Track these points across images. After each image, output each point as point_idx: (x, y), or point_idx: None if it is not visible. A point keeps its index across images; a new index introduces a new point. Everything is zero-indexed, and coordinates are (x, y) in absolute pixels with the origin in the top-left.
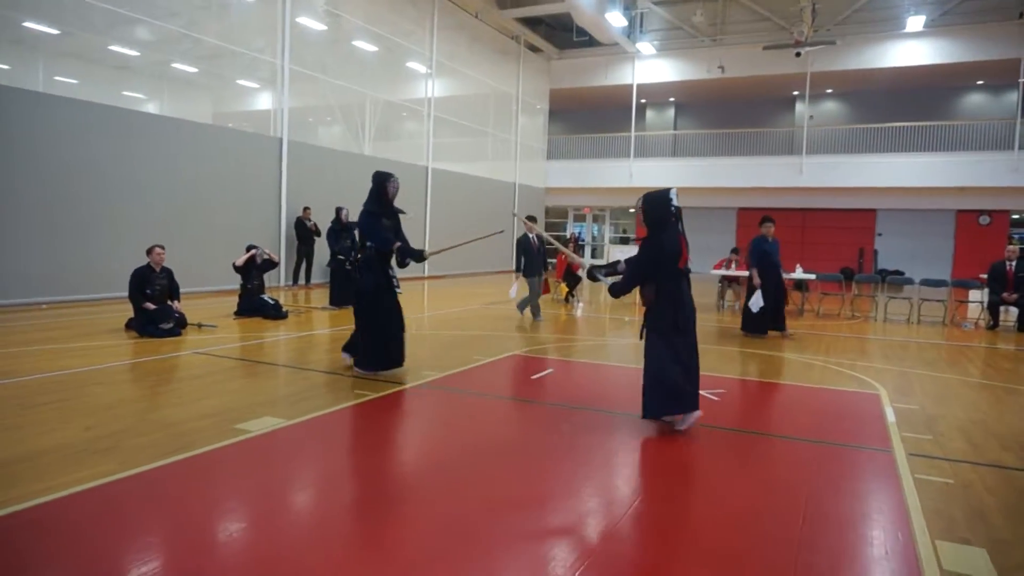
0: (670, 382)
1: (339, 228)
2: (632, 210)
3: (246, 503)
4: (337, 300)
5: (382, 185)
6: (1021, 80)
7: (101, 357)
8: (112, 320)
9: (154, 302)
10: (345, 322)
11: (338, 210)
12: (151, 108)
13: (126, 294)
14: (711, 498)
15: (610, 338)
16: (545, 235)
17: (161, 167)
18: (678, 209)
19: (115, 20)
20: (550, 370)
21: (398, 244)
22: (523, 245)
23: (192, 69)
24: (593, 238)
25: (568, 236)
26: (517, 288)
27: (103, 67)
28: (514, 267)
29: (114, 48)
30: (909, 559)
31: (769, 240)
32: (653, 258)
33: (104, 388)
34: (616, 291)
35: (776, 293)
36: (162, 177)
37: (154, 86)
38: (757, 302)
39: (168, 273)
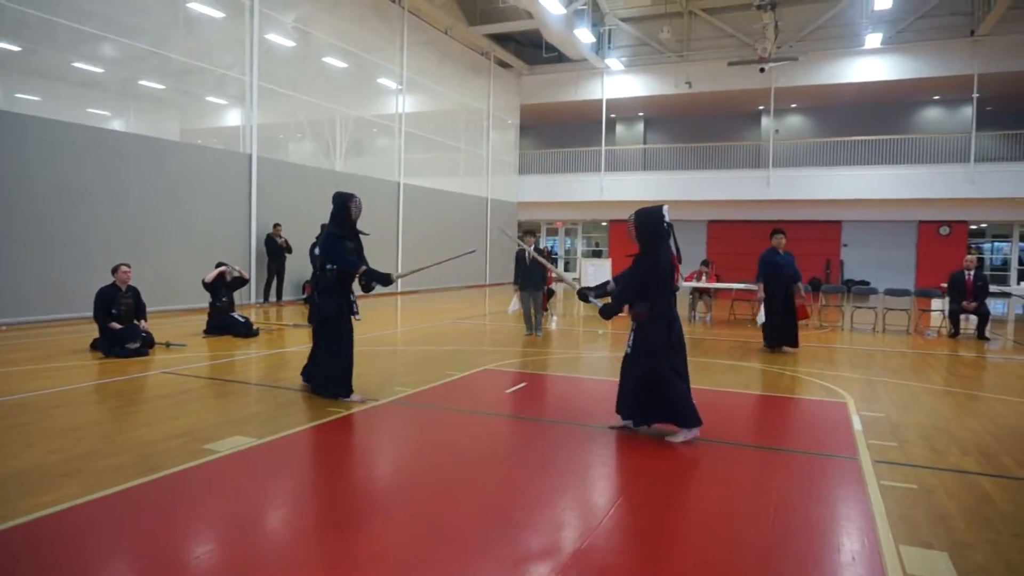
0: (682, 392)
1: None
2: (604, 224)
3: (216, 524)
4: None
5: (344, 207)
6: (975, 95)
7: (65, 379)
8: (76, 341)
9: (120, 322)
10: None
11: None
12: (117, 125)
13: (91, 314)
14: (683, 507)
15: (583, 351)
16: (535, 254)
17: (128, 184)
18: (670, 225)
19: (80, 37)
20: (523, 384)
21: (363, 268)
22: (520, 259)
23: (159, 86)
24: (566, 252)
25: (541, 250)
26: (517, 302)
27: (67, 84)
28: (513, 281)
29: (79, 65)
30: (874, 564)
31: (780, 253)
32: (649, 273)
33: (68, 410)
34: (607, 312)
35: (785, 307)
36: (129, 195)
37: (120, 103)
38: (760, 316)
39: (134, 292)
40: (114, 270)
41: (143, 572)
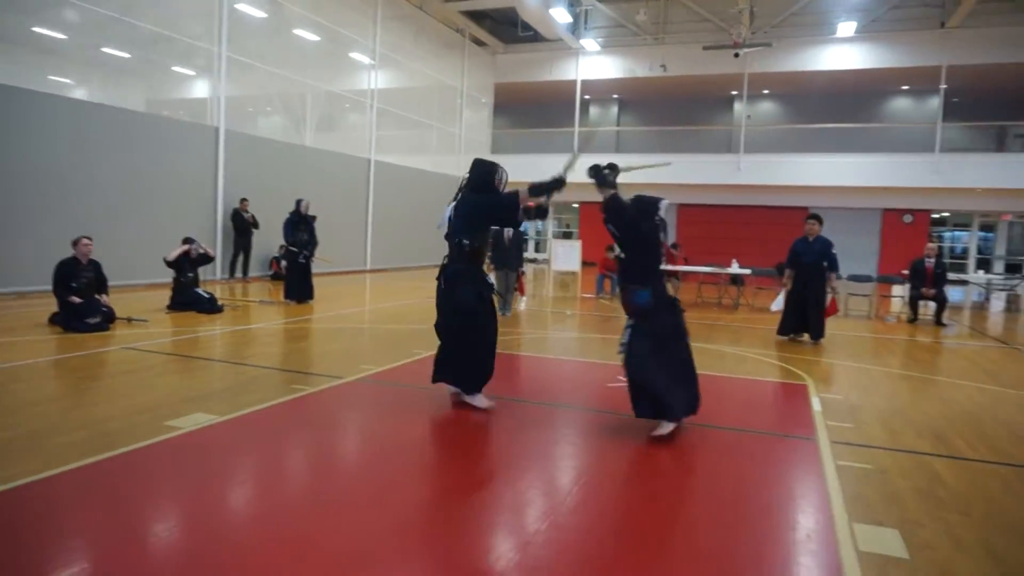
0: (694, 381)
1: (297, 220)
2: (575, 206)
3: (176, 501)
4: (294, 294)
5: (492, 173)
6: (942, 86)
7: (23, 353)
8: (35, 314)
9: (80, 296)
10: (298, 315)
11: (298, 202)
12: (80, 94)
13: (50, 287)
14: (643, 486)
15: (551, 331)
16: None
17: (91, 155)
18: (663, 221)
19: (41, 2)
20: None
21: (525, 189)
22: (496, 237)
23: (124, 55)
24: (537, 232)
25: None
26: (493, 280)
27: (27, 50)
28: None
29: (39, 30)
30: (828, 541)
31: (809, 240)
32: (632, 221)
33: (26, 385)
34: (614, 207)
35: (809, 297)
36: (92, 166)
37: (84, 71)
38: (776, 303)
39: (96, 266)
40: (75, 243)
41: (101, 548)
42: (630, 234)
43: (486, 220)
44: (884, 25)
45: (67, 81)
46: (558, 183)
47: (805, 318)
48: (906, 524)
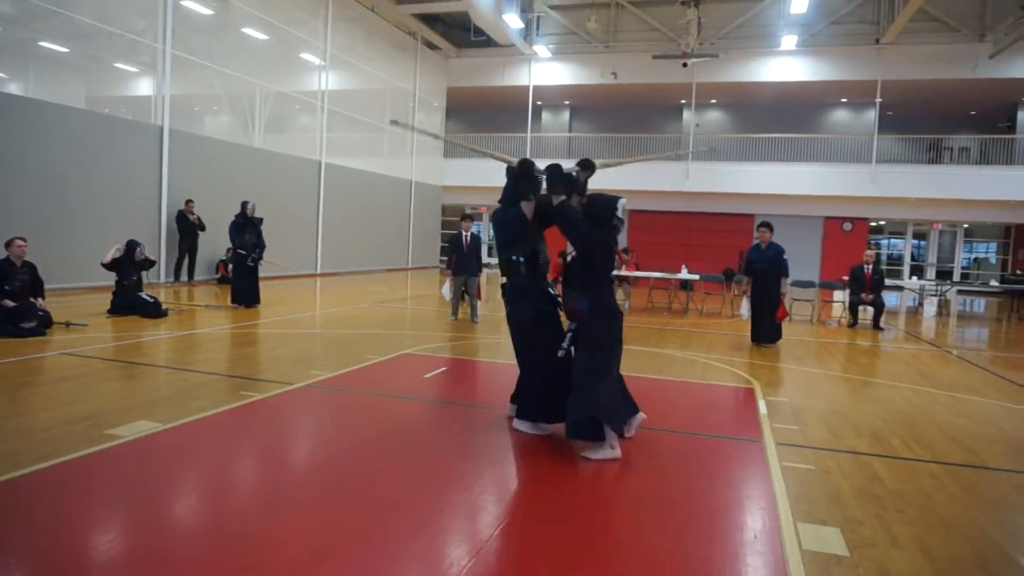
0: (620, 391)
1: (243, 222)
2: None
3: (118, 512)
4: (240, 298)
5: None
6: (878, 100)
7: None
8: None
9: (14, 299)
10: (246, 319)
11: (243, 204)
12: (15, 89)
13: None
14: (591, 491)
15: (506, 336)
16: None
17: (26, 152)
18: (621, 221)
19: None
20: (443, 368)
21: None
22: (455, 243)
23: (63, 49)
24: (490, 237)
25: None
26: (449, 287)
27: None
28: (446, 266)
29: None
30: (774, 541)
31: (762, 247)
32: (589, 239)
33: None
34: (565, 217)
35: (765, 301)
36: (27, 163)
37: (18, 65)
38: (742, 310)
39: (31, 268)
40: (8, 244)
41: (37, 561)
42: (582, 245)
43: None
44: (824, 40)
45: (1, 75)
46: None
47: (764, 323)
48: (847, 523)
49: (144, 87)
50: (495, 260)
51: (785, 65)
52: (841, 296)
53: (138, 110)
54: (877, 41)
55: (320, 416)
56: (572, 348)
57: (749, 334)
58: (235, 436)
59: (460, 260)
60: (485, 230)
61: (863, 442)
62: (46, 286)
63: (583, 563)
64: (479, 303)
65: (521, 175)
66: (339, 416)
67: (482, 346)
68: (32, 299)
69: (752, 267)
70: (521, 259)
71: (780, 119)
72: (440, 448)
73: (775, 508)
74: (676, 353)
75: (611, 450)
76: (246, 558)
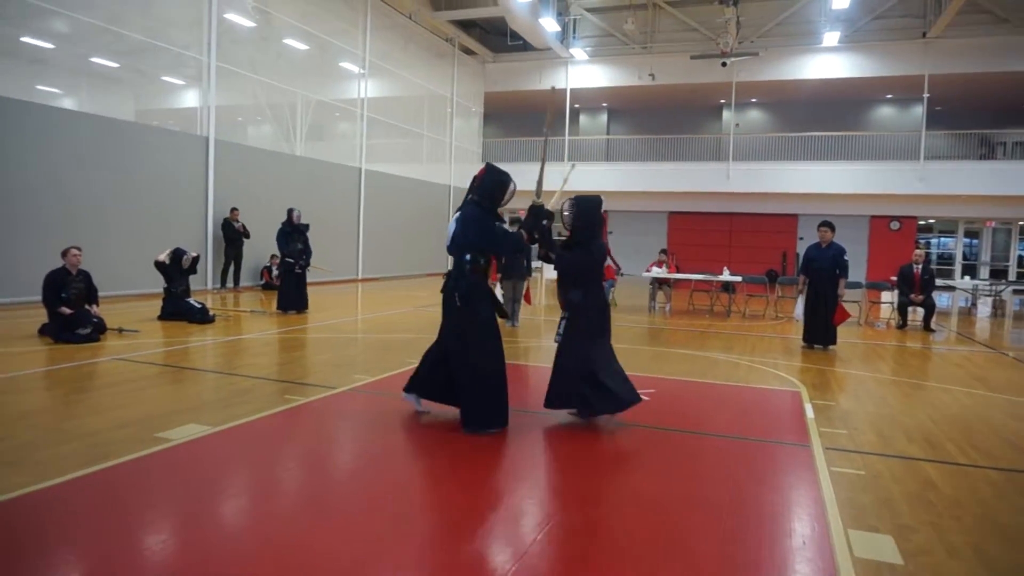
0: (620, 377)
1: (289, 230)
2: (564, 212)
3: (168, 514)
4: (285, 304)
5: (504, 185)
6: (926, 95)
7: (13, 365)
8: (24, 326)
9: (70, 306)
10: (290, 324)
11: (289, 211)
12: (69, 104)
13: (39, 298)
14: (638, 494)
15: (545, 340)
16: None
17: (80, 165)
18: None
19: (30, 11)
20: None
21: (520, 229)
22: None
23: (113, 64)
24: None
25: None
26: (501, 291)
27: (16, 60)
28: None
29: (28, 40)
30: (824, 548)
31: (823, 246)
32: (580, 264)
33: (16, 397)
34: (543, 256)
35: (822, 302)
36: (81, 176)
37: (72, 81)
38: (796, 311)
39: (86, 276)
40: (64, 253)
41: (91, 561)
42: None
43: (487, 249)
44: (867, 35)
45: (56, 91)
46: (542, 215)
47: (820, 324)
48: (900, 530)
49: (190, 99)
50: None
51: (828, 62)
52: (889, 297)
53: (184, 121)
54: (924, 35)
55: (362, 420)
56: (564, 334)
57: (795, 336)
58: (280, 440)
59: (508, 263)
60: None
61: (915, 447)
62: (99, 293)
63: (627, 568)
64: (520, 308)
65: (531, 215)
66: (381, 420)
67: (525, 350)
68: (87, 306)
69: (811, 266)
70: (472, 261)
71: (822, 117)
72: (482, 452)
73: (824, 514)
74: (719, 356)
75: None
76: (294, 559)
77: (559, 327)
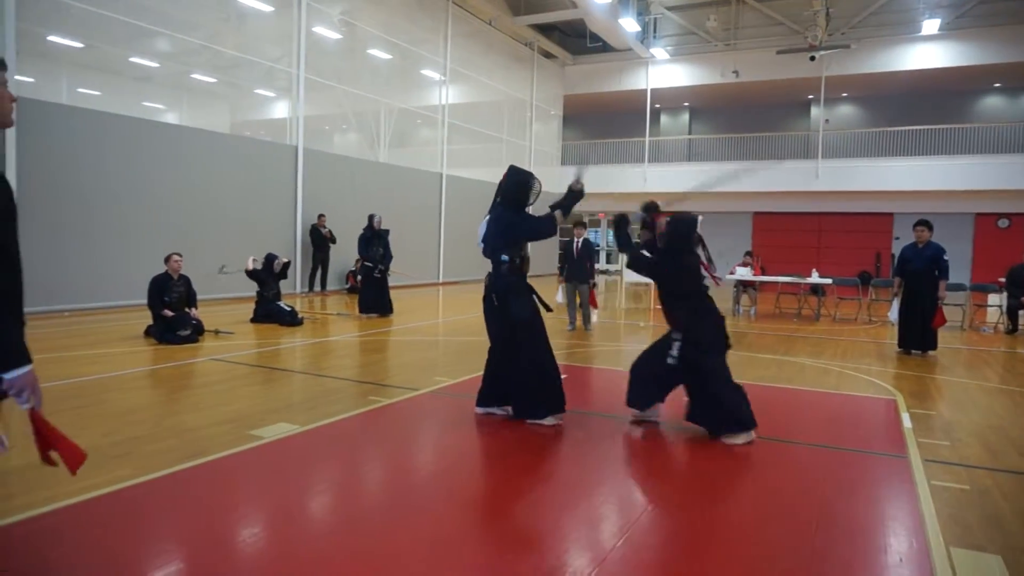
0: (739, 395)
1: (370, 235)
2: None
3: (258, 509)
4: (369, 308)
5: (529, 185)
6: None
7: (119, 364)
8: (131, 327)
9: (172, 309)
10: (373, 327)
11: (370, 217)
12: (171, 118)
13: (145, 302)
14: (723, 505)
15: (625, 344)
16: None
17: (180, 176)
18: (699, 237)
19: (136, 33)
20: (564, 376)
21: (557, 210)
22: (567, 250)
23: (211, 79)
24: (608, 244)
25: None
26: (562, 294)
27: (124, 78)
28: (559, 272)
29: (135, 60)
30: (923, 566)
31: (919, 246)
32: (668, 276)
33: (122, 394)
34: (632, 264)
35: (920, 305)
36: (181, 186)
37: (174, 96)
38: (891, 314)
39: (186, 281)
40: (167, 259)
41: (188, 552)
42: (668, 271)
43: (524, 240)
44: (972, 20)
45: (159, 106)
46: (574, 195)
47: (917, 328)
48: (1010, 551)
49: (280, 110)
50: (614, 267)
51: (927, 51)
52: (997, 300)
53: (275, 132)
54: None
55: (443, 421)
56: (680, 356)
57: (890, 341)
58: (365, 440)
59: (571, 267)
60: (603, 236)
61: None
62: (198, 297)
63: None
64: (594, 311)
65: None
66: (460, 422)
67: (601, 353)
68: (187, 309)
69: (906, 267)
70: (509, 260)
71: (919, 110)
72: (560, 455)
73: (923, 530)
74: (807, 361)
75: (747, 435)
76: (376, 558)
77: (672, 348)
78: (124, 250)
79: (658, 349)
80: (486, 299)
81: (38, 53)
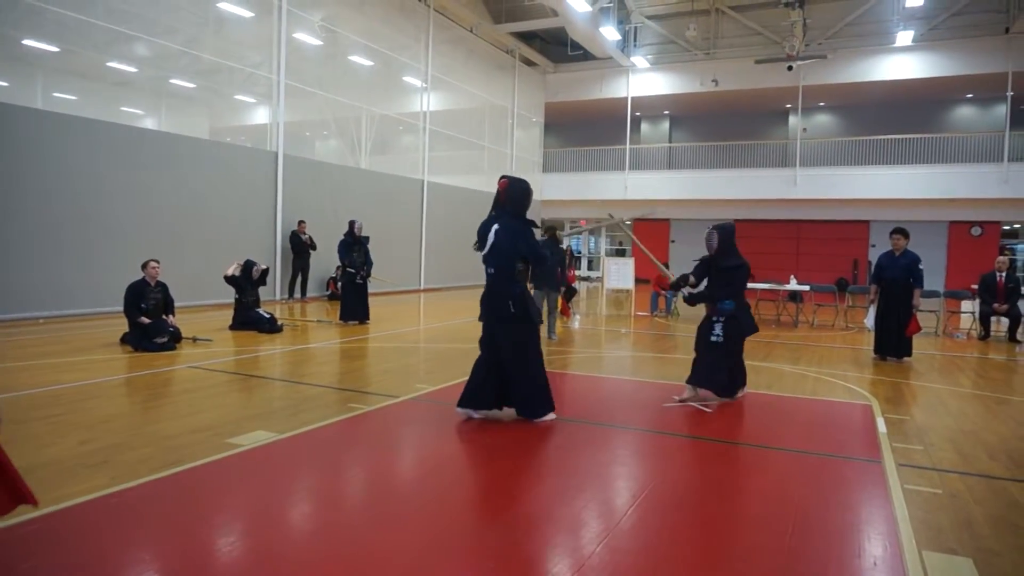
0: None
1: (351, 241)
2: (628, 223)
3: (236, 518)
4: (350, 315)
5: (527, 194)
6: (1009, 93)
7: (96, 371)
8: (107, 334)
9: (149, 316)
10: (354, 334)
11: (351, 223)
12: (149, 124)
13: (121, 308)
14: (701, 509)
15: (605, 351)
16: (642, 247)
17: (158, 182)
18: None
19: (114, 37)
20: None
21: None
22: None
23: (190, 85)
24: (589, 251)
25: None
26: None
27: (102, 83)
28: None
29: (113, 65)
30: (896, 569)
31: (896, 254)
32: (744, 279)
33: (98, 402)
34: (694, 300)
35: (895, 312)
36: (159, 192)
37: (152, 102)
38: (867, 320)
39: (163, 287)
40: (144, 266)
41: (165, 562)
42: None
43: (529, 257)
44: (945, 32)
45: (138, 112)
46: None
47: (892, 335)
48: (981, 553)
49: (260, 116)
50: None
51: (901, 62)
52: (970, 306)
53: (255, 138)
54: (1007, 30)
55: (423, 428)
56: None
57: (866, 347)
58: (345, 447)
59: (542, 273)
60: (584, 243)
61: (998, 465)
62: (175, 304)
63: None
64: (567, 319)
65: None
66: (441, 429)
67: (581, 360)
68: (164, 316)
69: (883, 275)
70: (521, 269)
71: (895, 119)
72: (541, 462)
73: (897, 533)
74: (785, 367)
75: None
76: (356, 566)
77: (714, 328)
78: (101, 256)
79: (703, 331)
80: (498, 306)
81: (13, 57)
